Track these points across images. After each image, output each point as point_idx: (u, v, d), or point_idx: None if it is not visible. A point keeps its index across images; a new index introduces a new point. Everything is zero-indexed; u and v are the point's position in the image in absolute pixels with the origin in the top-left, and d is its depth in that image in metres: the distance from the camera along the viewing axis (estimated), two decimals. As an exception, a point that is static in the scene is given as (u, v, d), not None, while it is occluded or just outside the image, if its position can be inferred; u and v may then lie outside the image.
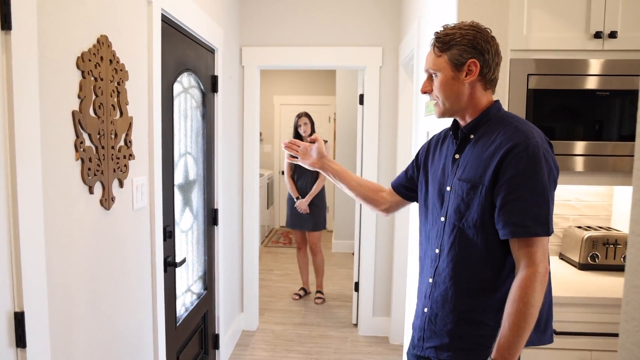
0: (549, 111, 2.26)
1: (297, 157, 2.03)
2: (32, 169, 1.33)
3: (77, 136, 1.57)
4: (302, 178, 4.82)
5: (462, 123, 1.59)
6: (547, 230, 1.38)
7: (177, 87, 2.58)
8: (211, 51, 3.15)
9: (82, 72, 1.58)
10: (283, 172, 4.90)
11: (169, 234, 2.42)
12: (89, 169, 1.64)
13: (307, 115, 4.83)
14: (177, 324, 2.61)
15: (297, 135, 4.85)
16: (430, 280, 1.62)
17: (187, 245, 2.85)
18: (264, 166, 7.93)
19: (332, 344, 3.95)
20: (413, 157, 2.02)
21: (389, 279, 4.07)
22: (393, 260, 3.96)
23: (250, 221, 4.13)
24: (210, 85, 3.15)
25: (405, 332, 3.18)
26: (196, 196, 2.99)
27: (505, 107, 2.20)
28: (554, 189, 1.43)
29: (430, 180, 1.70)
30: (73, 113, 1.54)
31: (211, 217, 3.23)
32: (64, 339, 1.53)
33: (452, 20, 2.23)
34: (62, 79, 1.49)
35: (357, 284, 4.21)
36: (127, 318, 1.98)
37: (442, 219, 1.59)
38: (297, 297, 5.00)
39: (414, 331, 1.72)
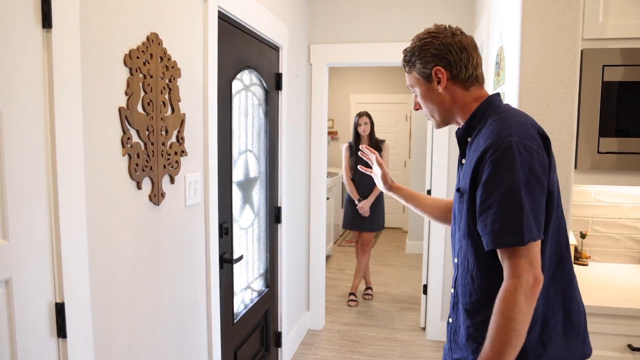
0: (628, 106, 2.06)
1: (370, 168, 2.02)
2: (74, 163, 1.37)
3: (124, 132, 1.59)
4: (363, 180, 4.74)
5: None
6: (521, 239, 1.22)
7: (236, 85, 2.59)
8: (275, 49, 3.15)
9: (130, 69, 1.61)
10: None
11: (225, 231, 2.44)
12: (137, 165, 1.66)
13: (367, 114, 4.76)
14: (235, 321, 2.63)
15: (356, 134, 4.78)
16: (452, 290, 1.54)
17: (247, 242, 2.87)
18: (340, 165, 7.90)
19: (397, 347, 3.85)
20: None
21: (459, 283, 3.90)
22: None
23: (317, 220, 4.12)
24: (274, 83, 3.15)
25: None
26: (258, 194, 3.00)
27: (574, 102, 2.02)
28: (540, 188, 1.27)
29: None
30: (120, 109, 1.57)
31: (274, 215, 3.24)
32: (106, 331, 1.57)
33: (517, 11, 2.09)
34: (108, 76, 1.52)
35: (425, 287, 4.08)
36: (179, 312, 2.00)
37: (455, 227, 1.52)
38: (369, 297, 4.96)
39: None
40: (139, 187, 1.69)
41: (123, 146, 1.59)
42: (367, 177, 4.73)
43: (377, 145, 4.75)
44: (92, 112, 1.46)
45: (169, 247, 1.92)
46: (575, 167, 2.09)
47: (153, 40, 1.73)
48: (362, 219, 4.76)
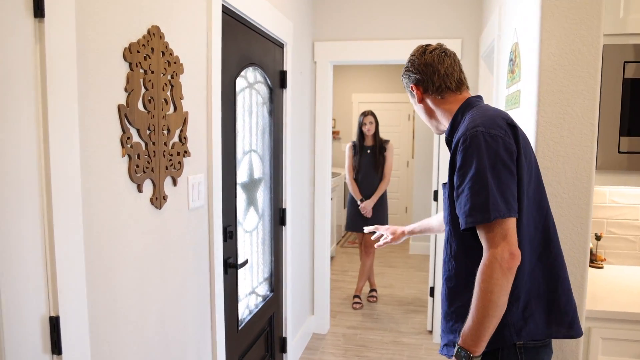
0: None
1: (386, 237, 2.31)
2: (69, 165, 1.27)
3: (124, 131, 1.49)
4: (366, 180, 4.66)
5: None
6: (487, 217, 1.34)
7: (240, 82, 2.49)
8: (280, 45, 3.05)
9: (130, 64, 1.51)
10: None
11: (229, 234, 2.34)
12: (137, 166, 1.56)
13: (372, 114, 4.69)
14: (240, 327, 2.53)
15: (361, 134, 4.69)
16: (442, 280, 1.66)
17: (252, 246, 2.77)
18: (342, 165, 7.80)
19: (404, 351, 3.75)
20: None
21: (467, 286, 3.81)
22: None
23: (321, 222, 4.02)
24: (278, 81, 3.05)
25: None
26: (262, 195, 2.90)
27: (596, 99, 1.92)
28: (507, 171, 1.38)
29: None
30: (119, 107, 1.47)
31: (278, 217, 3.14)
32: (106, 344, 1.46)
33: (537, 6, 1.99)
34: (107, 71, 1.42)
35: (432, 289, 3.98)
36: (182, 321, 1.90)
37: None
38: (373, 299, 4.87)
39: None
40: (139, 189, 1.59)
41: (123, 146, 1.49)
42: (370, 177, 4.64)
43: (381, 145, 4.66)
44: (89, 110, 1.36)
45: (171, 253, 1.81)
46: (595, 167, 2.00)
47: (154, 33, 1.63)
48: (365, 220, 4.65)
